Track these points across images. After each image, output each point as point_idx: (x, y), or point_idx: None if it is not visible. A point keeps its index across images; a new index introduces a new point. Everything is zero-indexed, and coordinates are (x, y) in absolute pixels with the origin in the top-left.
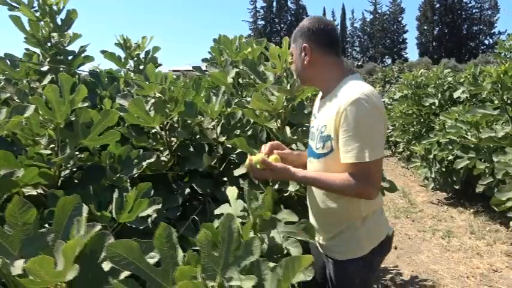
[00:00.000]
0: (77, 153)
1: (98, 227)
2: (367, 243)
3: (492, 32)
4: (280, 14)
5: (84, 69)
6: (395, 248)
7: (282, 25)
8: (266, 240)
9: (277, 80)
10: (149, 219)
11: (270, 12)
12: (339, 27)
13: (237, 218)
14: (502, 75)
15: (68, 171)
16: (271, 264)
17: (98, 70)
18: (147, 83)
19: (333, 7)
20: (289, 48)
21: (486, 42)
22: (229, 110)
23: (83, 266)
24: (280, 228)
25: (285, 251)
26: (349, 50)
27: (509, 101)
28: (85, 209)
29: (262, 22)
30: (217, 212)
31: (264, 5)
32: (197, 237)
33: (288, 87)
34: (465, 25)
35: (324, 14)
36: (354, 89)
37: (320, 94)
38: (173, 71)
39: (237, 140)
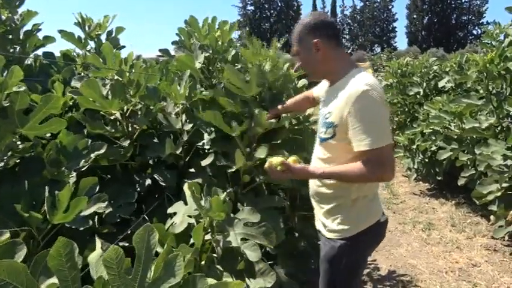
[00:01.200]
0: (19, 143)
1: (6, 235)
2: (356, 225)
3: (481, 22)
4: (270, 0)
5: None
6: None
7: (272, 11)
8: (221, 243)
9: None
10: (96, 218)
11: None
12: (329, 14)
13: (192, 217)
14: (488, 64)
15: (2, 163)
16: (210, 280)
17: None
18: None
19: None
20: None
21: (474, 32)
22: (194, 95)
23: None
24: (238, 230)
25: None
26: None
27: (494, 91)
28: None
29: (252, 7)
30: (170, 210)
31: None
32: (103, 255)
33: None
34: (454, 15)
35: (315, 0)
36: (361, 81)
37: (326, 82)
38: (158, 56)
39: (212, 115)
